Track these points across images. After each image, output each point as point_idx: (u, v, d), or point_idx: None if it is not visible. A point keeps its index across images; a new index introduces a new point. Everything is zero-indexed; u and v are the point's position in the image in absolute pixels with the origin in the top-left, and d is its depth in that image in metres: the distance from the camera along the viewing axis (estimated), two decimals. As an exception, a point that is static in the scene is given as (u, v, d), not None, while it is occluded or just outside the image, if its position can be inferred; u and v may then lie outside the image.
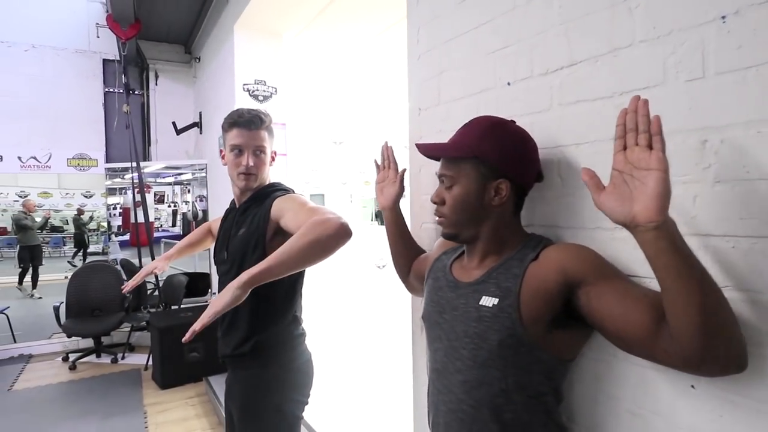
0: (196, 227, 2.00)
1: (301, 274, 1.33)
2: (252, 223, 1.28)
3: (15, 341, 4.24)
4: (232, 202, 1.43)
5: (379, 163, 1.31)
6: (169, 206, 4.91)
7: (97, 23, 4.45)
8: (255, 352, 1.26)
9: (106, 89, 4.59)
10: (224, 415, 1.42)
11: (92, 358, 3.97)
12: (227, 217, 1.43)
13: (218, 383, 3.04)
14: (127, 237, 4.79)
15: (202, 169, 4.39)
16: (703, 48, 0.69)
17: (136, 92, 4.70)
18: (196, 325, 0.94)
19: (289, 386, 1.29)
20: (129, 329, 4.20)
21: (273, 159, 1.38)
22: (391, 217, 1.26)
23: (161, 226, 4.90)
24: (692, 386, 0.71)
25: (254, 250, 1.24)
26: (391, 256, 1.27)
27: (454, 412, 0.84)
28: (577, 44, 0.88)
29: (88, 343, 4.09)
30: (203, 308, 1.00)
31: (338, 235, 1.05)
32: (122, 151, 4.49)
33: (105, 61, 4.57)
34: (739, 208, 0.65)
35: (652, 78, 0.75)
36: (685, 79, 0.71)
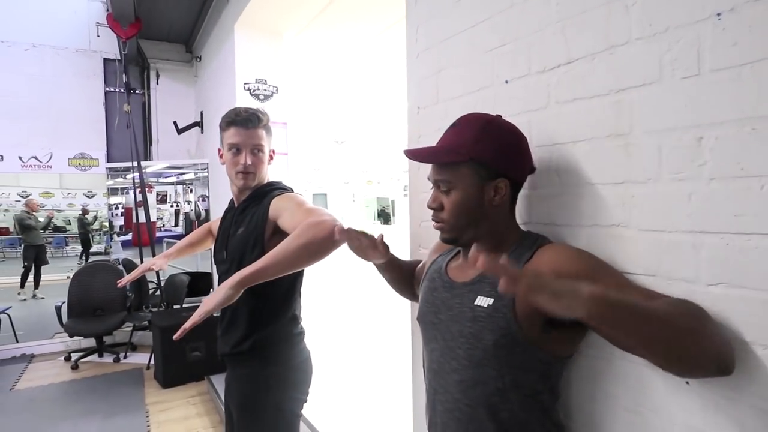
0: (198, 227, 2.01)
1: (300, 274, 1.33)
2: (251, 222, 1.28)
3: (17, 341, 4.26)
4: (231, 202, 1.44)
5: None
6: (172, 206, 4.92)
7: (98, 22, 4.45)
8: (254, 350, 1.26)
9: (107, 88, 4.60)
10: (224, 412, 1.42)
11: (94, 357, 3.99)
12: (226, 217, 1.44)
13: (220, 382, 3.05)
14: (129, 237, 4.80)
15: (204, 169, 4.40)
16: (698, 45, 0.69)
17: (136, 91, 4.71)
18: (187, 324, 0.94)
19: (288, 384, 1.29)
20: (131, 329, 4.21)
21: (271, 158, 1.39)
22: (382, 268, 1.12)
23: (163, 226, 4.91)
24: (687, 382, 0.71)
25: (253, 249, 1.24)
26: (395, 291, 1.21)
27: (451, 412, 0.84)
28: (574, 42, 0.88)
29: (90, 342, 4.11)
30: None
31: (332, 237, 1.04)
32: (123, 150, 4.50)
33: (106, 61, 4.58)
34: (734, 205, 0.65)
35: (648, 75, 0.76)
36: (681, 76, 0.71)
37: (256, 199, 1.32)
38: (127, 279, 1.55)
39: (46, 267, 6.04)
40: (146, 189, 4.19)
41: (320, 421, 2.33)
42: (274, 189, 1.33)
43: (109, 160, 4.58)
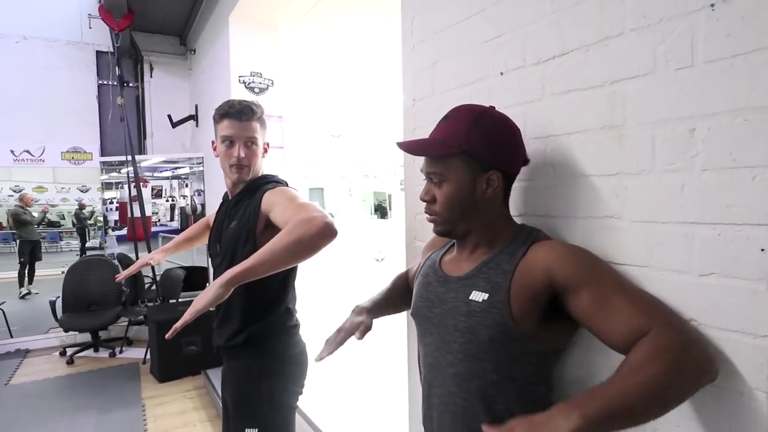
0: (195, 221, 2.00)
1: (293, 268, 1.33)
2: (243, 216, 1.28)
3: (11, 336, 4.24)
4: (225, 195, 1.43)
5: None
6: (167, 201, 4.90)
7: (90, 14, 4.40)
8: (248, 343, 1.27)
9: (100, 81, 4.55)
10: (221, 406, 1.43)
11: (90, 352, 3.98)
12: (220, 210, 1.43)
13: (216, 376, 3.06)
14: (124, 232, 4.78)
15: (200, 163, 4.37)
16: (692, 36, 0.69)
17: (130, 84, 4.66)
18: (178, 324, 0.95)
19: (283, 376, 1.30)
20: (127, 323, 4.20)
21: (266, 151, 1.38)
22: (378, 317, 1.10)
23: (159, 220, 4.89)
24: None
25: (245, 243, 1.24)
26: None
27: (446, 405, 0.85)
28: (569, 33, 0.88)
29: (86, 337, 4.10)
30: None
31: (322, 234, 1.04)
32: (117, 144, 4.46)
33: (98, 53, 4.53)
34: (726, 196, 0.65)
35: (642, 67, 0.76)
36: (675, 67, 0.71)
37: (249, 193, 1.31)
38: (124, 274, 1.55)
39: (40, 262, 6.01)
40: (141, 183, 4.17)
41: (316, 413, 2.34)
42: (268, 182, 1.32)
43: (102, 154, 4.54)
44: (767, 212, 0.61)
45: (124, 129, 4.04)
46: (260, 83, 3.27)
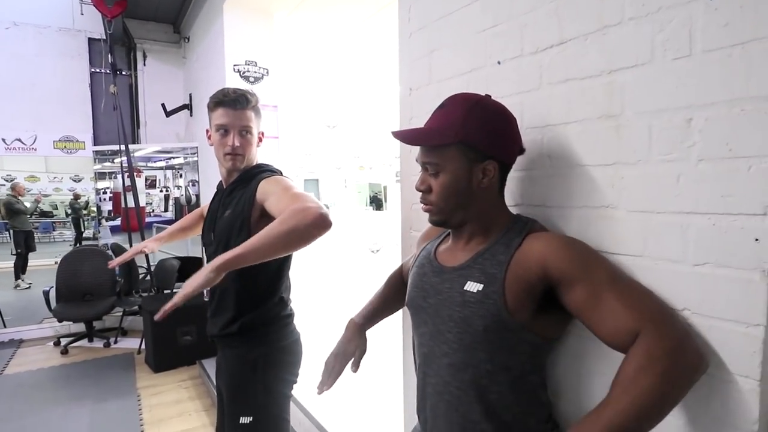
0: (189, 212, 1.99)
1: (288, 257, 1.33)
2: (237, 204, 1.27)
3: (5, 326, 4.23)
4: (220, 184, 1.42)
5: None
6: (161, 191, 4.86)
7: (81, 0, 4.32)
8: (242, 331, 1.27)
9: (92, 69, 4.48)
10: (216, 395, 1.43)
11: (84, 342, 3.97)
12: (215, 199, 1.43)
13: (211, 366, 3.06)
14: (118, 222, 4.75)
15: (194, 153, 4.34)
16: (690, 25, 0.69)
17: (123, 73, 4.60)
18: (168, 305, 0.95)
19: (277, 365, 1.30)
20: (121, 314, 4.20)
21: (260, 140, 1.37)
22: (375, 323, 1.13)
23: (153, 211, 4.86)
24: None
25: (239, 232, 1.24)
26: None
27: (440, 395, 0.85)
28: (567, 22, 0.87)
29: (80, 327, 4.09)
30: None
31: (316, 225, 1.04)
32: (110, 133, 4.41)
33: (90, 40, 4.46)
34: (721, 186, 0.66)
35: (640, 56, 0.75)
36: (673, 57, 0.71)
37: (243, 182, 1.30)
38: (118, 261, 1.54)
39: (33, 253, 5.96)
40: (135, 173, 4.13)
41: (311, 402, 2.36)
42: (262, 171, 1.32)
43: (95, 144, 4.49)
44: (762, 202, 0.62)
45: (117, 118, 3.99)
46: (255, 72, 3.23)
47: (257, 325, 1.28)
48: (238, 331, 1.27)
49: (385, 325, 1.19)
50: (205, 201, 2.21)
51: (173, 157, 4.71)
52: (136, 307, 4.07)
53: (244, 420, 1.26)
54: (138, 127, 4.75)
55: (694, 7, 0.68)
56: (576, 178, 0.87)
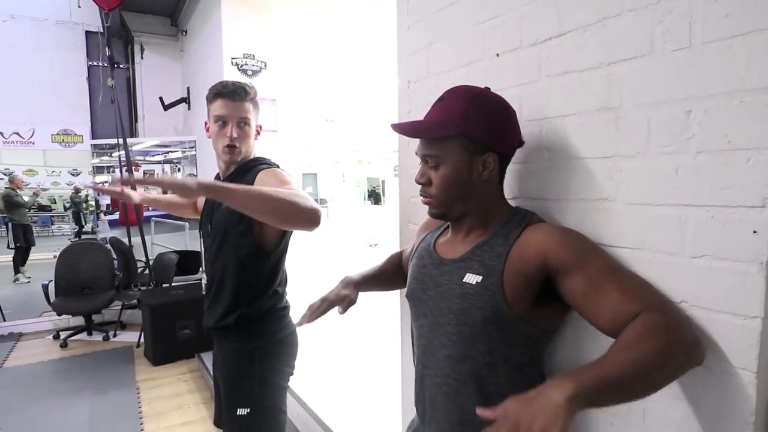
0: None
1: (284, 252, 1.34)
2: None
3: (4, 320, 4.23)
4: (217, 176, 1.42)
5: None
6: (159, 185, 4.84)
7: (78, -8, 4.29)
8: (239, 324, 1.28)
9: (90, 62, 4.46)
10: (213, 387, 1.44)
11: (83, 335, 3.98)
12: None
13: (209, 359, 3.07)
14: (116, 216, 4.74)
15: (192, 147, 4.32)
16: (690, 16, 0.68)
17: (120, 66, 4.57)
18: (145, 177, 0.95)
19: (274, 357, 1.31)
20: (120, 307, 4.20)
21: (258, 133, 1.36)
22: (364, 291, 1.11)
23: (151, 204, 4.85)
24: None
25: (237, 224, 1.24)
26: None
27: (439, 386, 0.85)
28: (566, 14, 0.86)
29: (79, 321, 4.09)
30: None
31: (307, 214, 1.05)
32: (108, 127, 4.39)
33: (88, 33, 4.43)
34: (720, 179, 0.65)
35: (640, 48, 0.75)
36: (672, 48, 0.70)
37: (241, 174, 1.30)
38: (99, 188, 1.54)
39: (33, 247, 5.95)
40: (133, 167, 4.12)
41: (308, 394, 2.37)
42: (261, 164, 1.32)
43: (93, 137, 4.47)
44: (761, 194, 0.61)
45: (114, 111, 3.97)
46: (253, 65, 3.22)
47: (253, 317, 1.29)
48: (234, 324, 1.28)
49: (383, 318, 1.19)
50: (204, 195, 2.20)
51: (171, 151, 4.69)
52: (135, 301, 4.07)
53: (242, 411, 1.27)
54: (136, 120, 4.73)
55: (695, -3, 0.67)
56: (574, 170, 0.86)
